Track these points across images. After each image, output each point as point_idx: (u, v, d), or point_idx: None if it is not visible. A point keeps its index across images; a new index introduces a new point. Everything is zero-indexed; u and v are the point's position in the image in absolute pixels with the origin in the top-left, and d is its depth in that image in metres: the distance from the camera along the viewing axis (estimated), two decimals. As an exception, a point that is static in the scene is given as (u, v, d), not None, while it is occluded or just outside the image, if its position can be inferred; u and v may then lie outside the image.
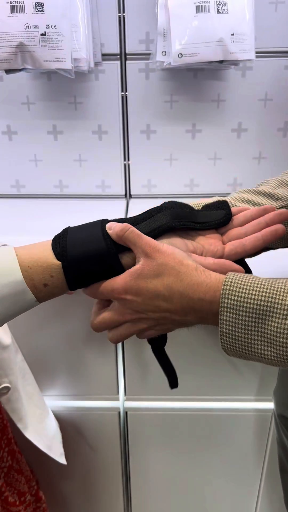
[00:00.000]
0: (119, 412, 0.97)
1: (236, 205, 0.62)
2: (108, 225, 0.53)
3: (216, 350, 0.88)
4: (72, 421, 0.98)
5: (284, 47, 0.99)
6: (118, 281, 0.51)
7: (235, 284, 0.46)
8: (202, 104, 1.05)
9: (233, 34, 0.90)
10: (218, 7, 0.88)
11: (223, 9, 0.89)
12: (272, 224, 0.56)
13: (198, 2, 0.88)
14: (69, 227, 0.55)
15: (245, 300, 0.45)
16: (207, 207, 0.60)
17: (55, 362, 0.92)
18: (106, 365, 0.91)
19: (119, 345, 0.89)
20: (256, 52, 0.94)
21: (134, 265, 0.53)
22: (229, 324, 0.46)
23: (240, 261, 0.57)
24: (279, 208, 0.63)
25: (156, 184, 1.12)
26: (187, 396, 0.95)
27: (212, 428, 0.98)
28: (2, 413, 0.79)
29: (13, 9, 0.86)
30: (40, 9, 0.86)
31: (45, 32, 0.87)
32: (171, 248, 0.50)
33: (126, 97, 1.04)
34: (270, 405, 0.94)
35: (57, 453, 0.88)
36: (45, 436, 0.86)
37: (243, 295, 0.45)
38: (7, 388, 0.76)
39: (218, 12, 0.89)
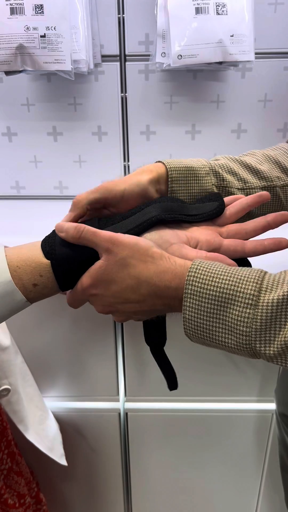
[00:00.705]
0: (119, 413, 0.97)
1: (221, 174, 0.61)
2: (58, 227, 0.52)
3: (216, 351, 0.88)
4: (72, 422, 0.98)
5: (283, 48, 0.99)
6: (85, 278, 0.51)
7: (200, 271, 0.46)
8: (202, 105, 1.05)
9: (232, 36, 0.90)
10: (218, 8, 0.89)
11: (223, 11, 0.89)
12: (274, 225, 0.55)
13: (198, 4, 0.88)
14: None
15: (208, 288, 0.45)
16: (199, 200, 0.60)
17: (55, 363, 0.92)
18: (106, 366, 0.91)
19: (119, 346, 0.89)
20: (256, 53, 0.94)
21: None
22: (192, 310, 0.46)
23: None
24: (262, 188, 0.62)
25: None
26: (187, 397, 0.95)
27: (213, 429, 0.98)
28: (2, 415, 0.79)
29: (12, 11, 0.86)
30: (39, 11, 0.86)
31: (44, 33, 0.87)
32: (134, 238, 0.50)
33: (126, 98, 1.04)
34: (270, 405, 0.94)
35: (58, 454, 0.88)
36: (46, 438, 0.86)
37: (206, 282, 0.45)
38: (7, 390, 0.76)
39: (218, 13, 0.89)
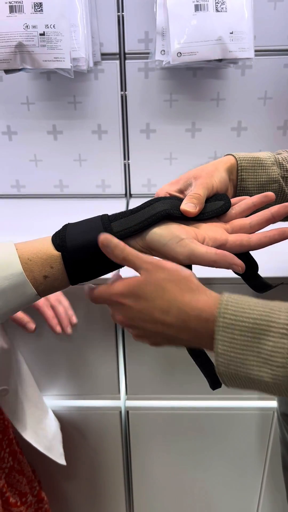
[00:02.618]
0: (121, 411, 0.97)
1: (285, 165, 0.64)
2: (103, 241, 0.50)
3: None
4: (73, 421, 0.98)
5: (283, 45, 0.99)
6: (119, 284, 0.50)
7: (231, 303, 0.45)
8: (202, 103, 1.05)
9: (232, 33, 0.90)
10: (217, 5, 0.88)
11: (222, 8, 0.89)
12: (277, 217, 0.55)
13: (197, 1, 0.88)
14: (68, 223, 0.55)
15: (241, 319, 0.44)
16: (207, 199, 0.60)
17: (56, 362, 0.92)
18: (107, 364, 0.91)
19: (120, 344, 0.89)
20: (255, 51, 0.94)
21: None
22: (224, 344, 0.44)
23: (245, 253, 0.57)
24: None
25: (156, 183, 1.12)
26: (188, 395, 0.95)
27: (214, 426, 0.98)
28: (3, 414, 0.79)
29: (12, 9, 0.86)
30: (39, 9, 0.86)
31: (44, 32, 0.87)
32: (175, 265, 0.50)
33: (126, 96, 1.04)
34: (271, 403, 0.94)
35: (57, 454, 0.88)
36: (45, 437, 0.86)
37: (239, 314, 0.44)
38: (6, 391, 0.75)
39: (217, 10, 0.89)
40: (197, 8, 0.88)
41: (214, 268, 0.50)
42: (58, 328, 0.75)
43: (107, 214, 0.55)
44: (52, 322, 0.74)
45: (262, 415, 0.96)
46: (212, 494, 1.07)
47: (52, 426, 0.90)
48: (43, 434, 0.85)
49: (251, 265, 0.57)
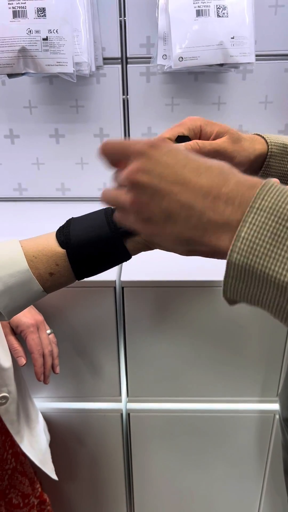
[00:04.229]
0: (122, 414, 0.97)
1: (271, 148, 0.60)
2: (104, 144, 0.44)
3: (218, 352, 0.89)
4: (75, 423, 0.98)
5: (284, 50, 1.00)
6: (136, 144, 0.40)
7: (274, 188, 0.35)
8: (203, 107, 1.05)
9: (233, 38, 0.91)
10: (218, 10, 0.89)
11: (223, 13, 0.89)
12: None
13: (198, 6, 0.89)
14: (72, 218, 0.55)
15: (284, 206, 0.34)
16: None
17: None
18: (108, 366, 0.91)
19: (122, 346, 0.90)
20: (256, 55, 0.95)
21: (139, 251, 0.52)
22: (253, 227, 0.34)
23: None
24: None
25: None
26: (189, 397, 0.95)
27: (215, 429, 0.98)
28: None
29: (15, 14, 0.86)
30: (42, 14, 0.87)
31: (47, 36, 0.87)
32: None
33: (127, 100, 1.05)
34: (272, 406, 0.95)
35: (49, 468, 0.87)
36: (39, 450, 0.85)
37: (282, 199, 0.34)
38: (5, 398, 0.75)
39: (218, 15, 0.89)
40: (199, 13, 0.89)
41: (216, 272, 0.50)
42: (41, 378, 0.79)
43: (111, 208, 0.55)
44: (39, 370, 0.78)
45: (262, 417, 0.96)
46: (213, 497, 1.07)
47: (43, 440, 0.89)
48: (37, 447, 0.85)
49: None
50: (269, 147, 0.60)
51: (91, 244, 0.51)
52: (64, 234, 0.52)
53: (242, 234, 0.34)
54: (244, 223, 0.34)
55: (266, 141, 0.61)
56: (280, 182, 0.45)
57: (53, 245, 0.51)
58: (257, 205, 0.34)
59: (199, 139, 0.58)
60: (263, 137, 0.62)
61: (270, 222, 0.33)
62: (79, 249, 0.51)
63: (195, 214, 0.37)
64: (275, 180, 0.36)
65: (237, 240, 0.34)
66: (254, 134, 0.63)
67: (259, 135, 0.63)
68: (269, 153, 0.60)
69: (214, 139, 0.57)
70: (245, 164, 0.59)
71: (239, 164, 0.57)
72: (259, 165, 0.61)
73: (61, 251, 0.51)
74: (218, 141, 0.57)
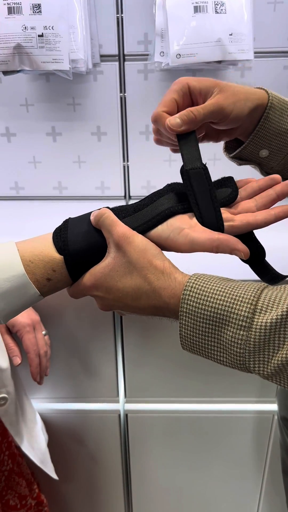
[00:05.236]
0: (119, 415, 0.96)
1: (272, 100, 0.58)
2: (93, 212, 0.53)
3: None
4: (72, 424, 0.97)
5: (283, 47, 0.99)
6: (88, 277, 0.51)
7: (195, 290, 0.46)
8: (201, 104, 1.04)
9: (231, 34, 0.90)
10: (216, 7, 0.88)
11: (221, 9, 0.88)
12: (281, 195, 0.55)
13: (196, 3, 0.88)
14: (69, 218, 0.54)
15: (203, 307, 0.44)
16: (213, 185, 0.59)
17: (55, 365, 0.91)
18: (106, 367, 0.91)
19: (119, 347, 0.89)
20: (255, 52, 0.94)
21: None
22: (187, 329, 0.46)
23: (250, 237, 0.56)
24: None
25: (155, 185, 1.12)
26: (187, 398, 0.94)
27: (213, 430, 0.97)
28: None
29: (10, 11, 0.85)
30: (37, 10, 0.86)
31: (42, 33, 0.86)
32: (144, 244, 0.50)
33: (125, 98, 1.04)
34: (271, 406, 0.94)
35: (50, 468, 0.87)
36: (39, 450, 0.85)
37: (201, 301, 0.45)
38: (5, 399, 0.75)
39: (216, 12, 0.88)
40: (196, 9, 0.88)
41: (220, 267, 0.50)
42: (37, 378, 0.79)
43: (110, 208, 0.54)
44: (35, 371, 0.79)
45: (261, 418, 0.95)
46: (212, 498, 1.07)
47: (42, 440, 0.89)
48: (37, 447, 0.85)
49: (258, 250, 0.56)
50: (270, 98, 0.58)
51: (89, 250, 0.51)
52: (62, 239, 0.51)
53: (183, 333, 0.46)
54: (180, 325, 0.46)
55: (267, 92, 0.59)
56: (277, 140, 0.58)
57: (50, 251, 0.51)
58: (184, 309, 0.46)
59: (190, 96, 0.57)
60: (263, 89, 0.60)
61: (197, 323, 0.45)
62: (77, 255, 0.51)
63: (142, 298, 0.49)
64: (194, 280, 0.47)
65: (181, 337, 0.47)
66: (256, 87, 0.61)
67: (261, 88, 0.60)
68: (269, 104, 0.58)
69: (204, 95, 0.57)
70: (242, 118, 0.57)
71: (236, 118, 0.56)
72: (257, 117, 0.58)
73: (59, 257, 0.51)
74: (211, 100, 0.56)
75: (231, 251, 0.49)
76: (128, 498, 1.08)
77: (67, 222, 0.54)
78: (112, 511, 1.09)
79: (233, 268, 0.60)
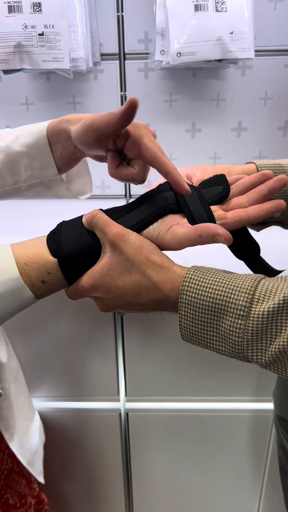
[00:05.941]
0: (120, 413, 0.96)
1: (262, 169, 0.63)
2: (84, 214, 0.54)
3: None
4: (73, 423, 0.97)
5: (283, 45, 0.99)
6: (86, 279, 0.51)
7: (194, 281, 0.47)
8: (202, 103, 1.04)
9: (232, 33, 0.90)
10: (217, 5, 0.88)
11: (222, 8, 0.88)
12: (273, 190, 0.55)
13: (197, 1, 0.88)
14: (63, 221, 0.54)
15: (202, 298, 0.46)
16: (205, 184, 0.60)
17: (55, 363, 0.91)
18: (106, 366, 0.91)
19: (120, 345, 0.89)
20: (256, 51, 0.94)
21: None
22: (187, 319, 0.47)
23: (244, 233, 0.57)
24: None
25: (155, 184, 1.12)
26: (188, 397, 0.94)
27: (213, 428, 0.97)
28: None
29: (10, 9, 0.85)
30: (37, 9, 0.85)
31: (43, 32, 0.86)
32: (140, 240, 0.50)
33: (125, 96, 1.04)
34: (270, 405, 0.94)
35: (37, 470, 0.86)
36: (28, 450, 0.84)
37: (200, 292, 0.46)
38: None
39: (217, 10, 0.88)
40: (197, 8, 0.88)
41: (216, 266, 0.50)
42: None
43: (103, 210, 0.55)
44: None
45: (261, 416, 0.95)
46: (212, 497, 1.07)
47: (36, 441, 0.88)
48: (27, 447, 0.84)
49: (252, 246, 0.57)
50: (258, 167, 0.64)
51: (82, 252, 0.51)
52: (56, 242, 0.51)
53: (182, 324, 0.48)
54: (179, 315, 0.47)
55: (254, 163, 0.64)
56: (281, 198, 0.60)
57: (45, 253, 0.51)
58: (183, 301, 0.47)
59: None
60: (253, 163, 0.65)
61: (196, 313, 0.46)
62: (71, 258, 0.51)
63: (143, 292, 0.49)
64: (193, 272, 0.48)
65: (180, 328, 0.48)
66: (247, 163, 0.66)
67: (252, 162, 0.65)
68: (259, 170, 0.63)
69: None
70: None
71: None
72: None
73: (53, 260, 0.51)
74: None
75: (212, 237, 0.48)
76: (128, 496, 1.08)
77: (60, 225, 0.54)
78: (113, 510, 1.09)
79: (229, 267, 0.60)
